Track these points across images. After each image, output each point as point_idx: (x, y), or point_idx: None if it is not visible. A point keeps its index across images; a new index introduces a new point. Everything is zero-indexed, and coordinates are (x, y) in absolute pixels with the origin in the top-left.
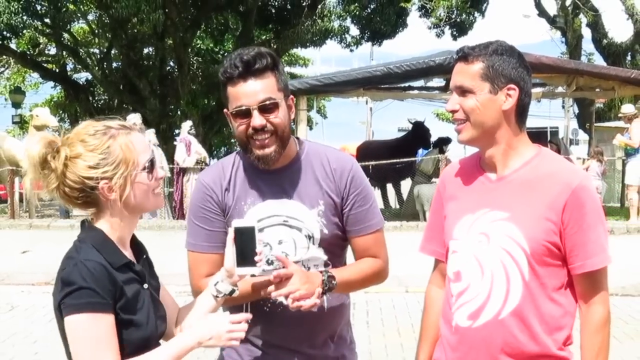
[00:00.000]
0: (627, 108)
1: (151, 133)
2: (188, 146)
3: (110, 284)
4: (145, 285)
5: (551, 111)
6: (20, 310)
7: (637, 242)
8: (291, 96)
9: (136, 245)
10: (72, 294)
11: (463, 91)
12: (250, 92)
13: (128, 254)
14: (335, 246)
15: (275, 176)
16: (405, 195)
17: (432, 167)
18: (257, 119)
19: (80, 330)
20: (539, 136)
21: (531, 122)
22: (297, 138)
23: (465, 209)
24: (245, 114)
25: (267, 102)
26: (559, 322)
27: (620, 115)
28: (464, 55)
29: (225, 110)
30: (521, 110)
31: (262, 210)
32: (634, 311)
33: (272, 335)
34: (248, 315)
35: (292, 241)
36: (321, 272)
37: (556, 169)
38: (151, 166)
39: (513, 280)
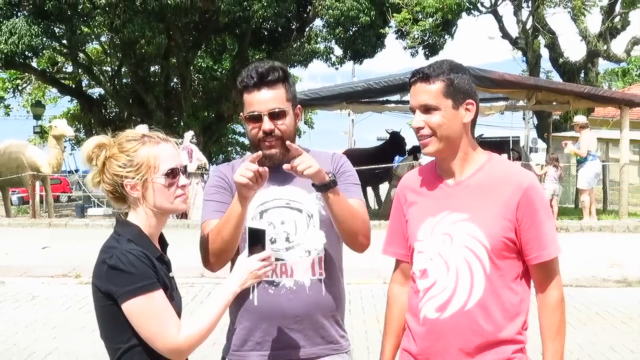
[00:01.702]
0: (579, 118)
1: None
2: (190, 154)
3: (152, 268)
4: (171, 274)
5: (513, 122)
6: (41, 299)
7: (589, 239)
8: (298, 106)
9: (161, 240)
10: (124, 281)
11: (427, 109)
12: (262, 100)
13: (157, 246)
14: (332, 233)
15: (278, 169)
16: (383, 197)
17: (407, 172)
18: (267, 124)
19: (142, 311)
20: (502, 145)
21: (495, 132)
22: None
23: (426, 213)
24: (257, 118)
25: (276, 110)
26: (517, 308)
27: (573, 124)
28: (425, 76)
29: (240, 114)
30: (475, 121)
31: (267, 194)
32: (586, 300)
33: (278, 316)
34: (269, 252)
35: (294, 222)
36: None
37: (507, 172)
38: (171, 173)
39: (476, 275)
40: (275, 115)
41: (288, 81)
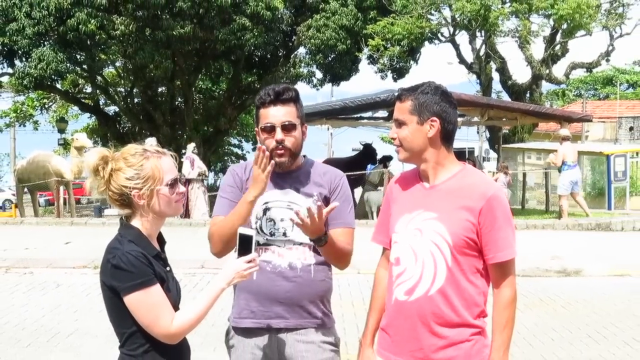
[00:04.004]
0: (562, 131)
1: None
2: (192, 162)
3: (149, 266)
4: (168, 268)
5: (468, 135)
6: (64, 287)
7: (534, 235)
8: (305, 124)
9: (160, 238)
10: (125, 278)
11: (399, 123)
12: (276, 114)
13: (155, 245)
14: None
15: (284, 175)
16: (357, 200)
17: (378, 178)
18: (279, 134)
19: (140, 304)
20: (459, 155)
21: (454, 144)
22: (304, 155)
23: (404, 210)
24: (271, 129)
25: (288, 123)
26: (476, 299)
27: (558, 136)
28: (399, 96)
29: (256, 128)
30: (446, 136)
31: (271, 196)
32: (531, 288)
33: (271, 291)
34: (254, 255)
35: (291, 220)
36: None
37: (475, 181)
38: (174, 183)
39: (439, 266)
40: (286, 128)
41: (299, 101)
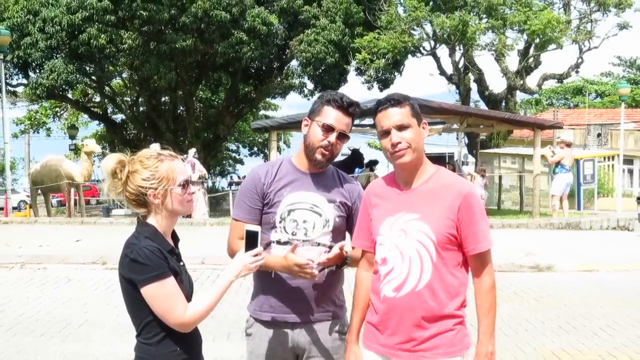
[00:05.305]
0: (565, 137)
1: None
2: (193, 166)
3: (164, 260)
4: (182, 263)
5: (449, 141)
6: (75, 282)
7: (509, 234)
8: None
9: (174, 236)
10: (142, 271)
11: (403, 127)
12: (340, 120)
13: (169, 241)
14: (339, 233)
15: (309, 177)
16: None
17: (365, 181)
18: (333, 138)
19: (156, 295)
20: (440, 159)
21: (434, 149)
22: None
23: (386, 213)
24: (329, 129)
25: (344, 133)
26: (457, 290)
27: (559, 141)
28: (397, 102)
29: (308, 117)
30: None
31: (296, 197)
32: (506, 282)
33: (289, 288)
34: (260, 249)
35: (313, 222)
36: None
37: (451, 181)
38: (185, 184)
39: (425, 262)
40: (340, 136)
41: (355, 118)
